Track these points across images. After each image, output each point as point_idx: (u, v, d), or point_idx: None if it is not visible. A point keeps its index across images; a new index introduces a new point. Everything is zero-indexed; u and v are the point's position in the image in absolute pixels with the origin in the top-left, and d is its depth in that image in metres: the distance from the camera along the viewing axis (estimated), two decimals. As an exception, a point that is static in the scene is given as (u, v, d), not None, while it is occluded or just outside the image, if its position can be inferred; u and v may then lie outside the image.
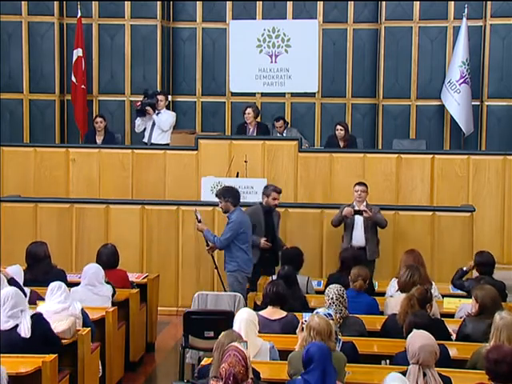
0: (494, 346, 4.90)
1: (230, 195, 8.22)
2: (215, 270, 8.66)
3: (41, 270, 7.53)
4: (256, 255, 8.40)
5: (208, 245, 8.43)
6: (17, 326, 5.85)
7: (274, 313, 6.34)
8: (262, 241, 8.54)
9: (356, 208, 8.86)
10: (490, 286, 6.50)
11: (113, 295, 7.33)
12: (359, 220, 8.85)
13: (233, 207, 8.21)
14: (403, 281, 6.76)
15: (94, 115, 12.23)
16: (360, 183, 9.04)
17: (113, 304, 7.23)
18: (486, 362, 4.65)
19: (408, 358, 4.96)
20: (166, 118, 11.30)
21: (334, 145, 11.23)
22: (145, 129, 11.38)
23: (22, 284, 6.98)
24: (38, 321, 5.93)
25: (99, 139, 11.65)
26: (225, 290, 8.38)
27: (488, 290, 6.26)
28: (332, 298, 6.15)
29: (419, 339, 4.95)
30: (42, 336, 5.89)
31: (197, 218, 8.44)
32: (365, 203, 8.90)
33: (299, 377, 4.85)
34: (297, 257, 7.72)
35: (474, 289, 6.44)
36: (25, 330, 5.83)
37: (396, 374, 4.69)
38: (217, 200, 8.44)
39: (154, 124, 11.26)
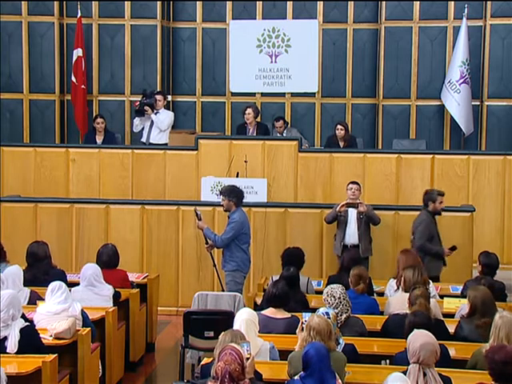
0: (497, 346, 4.87)
1: (234, 195, 8.26)
2: (214, 269, 8.65)
3: (41, 270, 7.53)
4: (439, 266, 8.23)
5: (207, 243, 8.44)
6: (5, 338, 5.75)
7: (276, 313, 6.34)
8: (447, 250, 8.49)
9: (348, 211, 8.86)
10: (484, 286, 6.48)
11: (118, 297, 7.33)
12: (353, 217, 8.86)
13: (235, 207, 8.26)
14: (411, 280, 6.73)
15: (94, 115, 12.23)
16: (353, 182, 9.07)
17: (114, 304, 7.22)
18: (490, 364, 4.61)
19: (408, 358, 4.96)
20: (164, 117, 11.31)
21: (334, 145, 11.23)
22: (143, 128, 11.40)
23: (22, 284, 6.98)
24: (28, 335, 5.81)
25: (99, 139, 11.66)
26: (223, 289, 8.39)
27: (480, 290, 6.23)
28: (339, 298, 6.12)
29: (420, 338, 4.95)
30: (30, 351, 5.77)
31: (197, 216, 8.44)
32: (358, 201, 8.91)
33: (299, 377, 4.85)
34: (299, 257, 7.71)
35: (469, 289, 6.44)
36: (11, 346, 5.74)
37: (398, 373, 4.69)
38: (219, 199, 8.45)
39: (152, 124, 11.29)
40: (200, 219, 8.44)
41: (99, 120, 11.73)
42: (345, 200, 8.96)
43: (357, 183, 9.04)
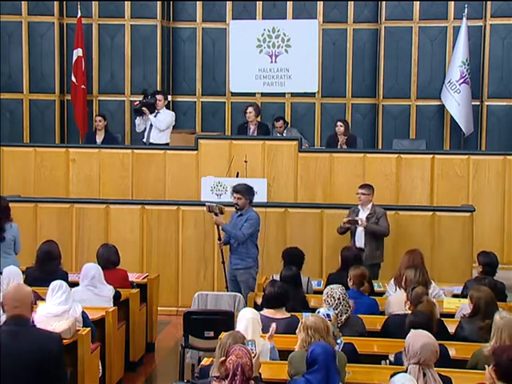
0: (506, 346, 4.89)
1: (251, 195, 8.40)
2: (222, 265, 8.62)
3: (49, 269, 7.52)
4: None
5: (220, 239, 8.45)
6: None
7: (276, 313, 6.34)
8: None
9: (358, 215, 8.78)
10: (487, 287, 6.48)
11: (118, 298, 7.32)
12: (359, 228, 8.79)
13: (248, 206, 8.36)
14: (412, 280, 6.72)
15: (95, 114, 12.23)
16: (362, 185, 8.95)
17: (114, 305, 7.22)
18: (498, 361, 4.60)
19: (406, 358, 4.93)
20: (163, 117, 11.28)
21: (334, 143, 11.23)
22: (145, 128, 11.39)
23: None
24: None
25: (99, 138, 11.66)
26: (226, 286, 8.39)
27: (483, 291, 6.22)
28: (339, 299, 6.11)
29: (421, 338, 4.93)
30: None
31: (213, 211, 8.42)
32: (370, 205, 8.79)
33: (301, 377, 4.85)
34: (298, 257, 7.72)
35: (471, 289, 6.44)
36: None
37: (405, 374, 4.69)
38: (234, 196, 8.41)
39: (152, 124, 11.26)
40: (217, 214, 8.40)
41: (98, 119, 11.72)
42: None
43: (365, 187, 8.87)
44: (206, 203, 8.66)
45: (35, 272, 7.45)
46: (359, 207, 8.84)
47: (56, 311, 6.27)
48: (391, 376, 4.78)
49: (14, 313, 4.42)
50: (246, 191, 8.37)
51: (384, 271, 8.74)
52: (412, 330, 5.11)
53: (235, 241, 8.32)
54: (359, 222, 8.67)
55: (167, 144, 11.20)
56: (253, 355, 4.67)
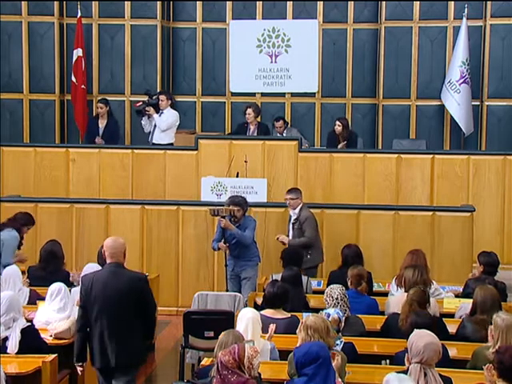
0: (508, 345, 4.90)
1: (248, 206, 8.55)
2: (225, 268, 8.62)
3: (52, 269, 7.52)
4: None
5: (226, 242, 8.45)
6: (6, 338, 5.76)
7: (275, 313, 6.35)
8: None
9: (291, 219, 8.84)
10: (491, 286, 6.48)
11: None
12: (290, 226, 8.87)
13: (243, 216, 8.48)
14: (410, 280, 6.72)
15: (95, 107, 12.28)
16: (289, 190, 8.93)
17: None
18: (499, 359, 4.60)
19: (407, 358, 4.93)
20: (166, 117, 11.26)
21: (334, 140, 11.20)
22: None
23: (21, 284, 6.98)
24: (29, 335, 5.83)
25: (102, 123, 11.71)
26: (227, 289, 8.39)
27: (484, 289, 6.24)
28: (337, 299, 6.14)
29: (424, 338, 4.92)
30: (31, 351, 5.78)
31: (220, 215, 8.38)
32: (298, 209, 8.79)
33: (300, 376, 4.84)
34: (298, 256, 7.73)
35: (477, 287, 6.45)
36: (12, 346, 5.75)
37: (404, 375, 4.69)
38: (232, 208, 8.41)
39: (156, 124, 11.26)
40: (225, 217, 8.36)
41: (99, 105, 11.85)
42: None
43: (291, 192, 8.88)
44: (210, 207, 8.62)
45: (38, 271, 7.46)
46: (290, 211, 8.86)
47: (55, 320, 6.27)
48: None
49: (112, 258, 5.69)
50: (245, 204, 8.50)
51: (384, 271, 8.75)
52: (415, 330, 5.11)
53: (238, 241, 8.34)
54: (284, 242, 8.73)
55: (171, 144, 11.19)
56: (251, 351, 4.67)
